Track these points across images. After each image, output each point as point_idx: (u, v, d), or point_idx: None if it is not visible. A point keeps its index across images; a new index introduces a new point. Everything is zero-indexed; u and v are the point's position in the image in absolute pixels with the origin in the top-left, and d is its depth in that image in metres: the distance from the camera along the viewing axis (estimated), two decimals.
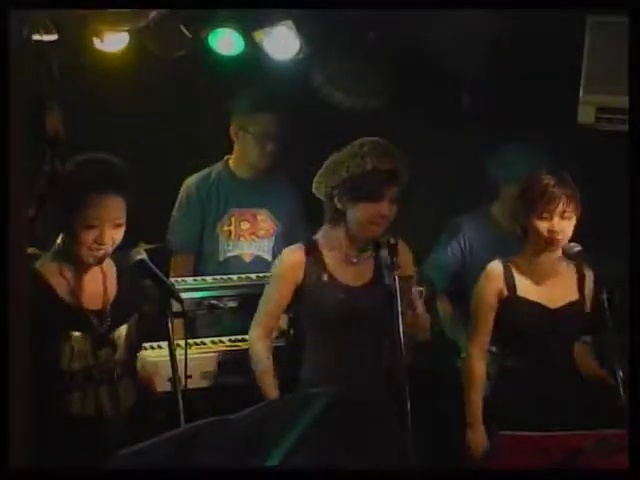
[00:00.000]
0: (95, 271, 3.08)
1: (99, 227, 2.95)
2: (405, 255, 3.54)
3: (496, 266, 3.62)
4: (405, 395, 3.10)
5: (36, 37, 3.79)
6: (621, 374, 3.22)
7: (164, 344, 3.52)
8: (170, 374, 2.91)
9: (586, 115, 3.98)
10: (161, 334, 3.52)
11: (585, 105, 3.98)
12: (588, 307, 3.66)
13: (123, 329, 3.09)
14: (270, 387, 3.48)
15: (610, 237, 3.70)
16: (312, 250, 3.53)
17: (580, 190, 3.60)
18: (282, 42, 4.36)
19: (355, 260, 3.53)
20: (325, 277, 3.49)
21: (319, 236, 3.57)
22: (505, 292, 3.59)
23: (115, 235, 3.00)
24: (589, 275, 3.66)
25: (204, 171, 4.51)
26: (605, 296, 3.29)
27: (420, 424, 3.14)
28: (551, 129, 4.22)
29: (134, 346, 3.17)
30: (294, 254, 3.55)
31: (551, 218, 3.50)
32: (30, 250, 3.02)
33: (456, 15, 3.88)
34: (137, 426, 3.04)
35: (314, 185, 3.54)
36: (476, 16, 3.89)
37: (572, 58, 3.98)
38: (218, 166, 4.52)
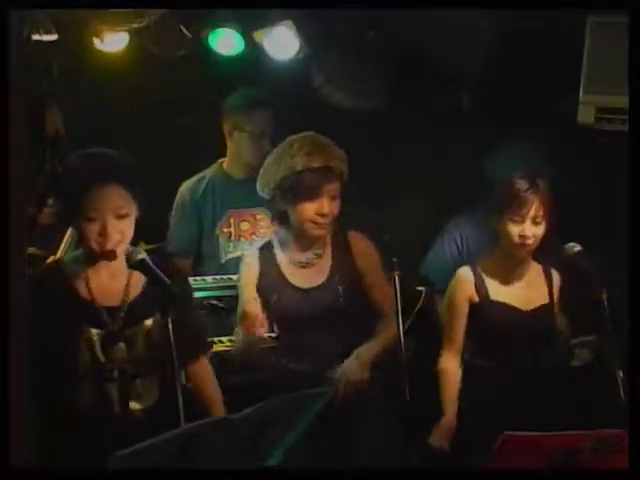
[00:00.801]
0: (119, 267, 3.06)
1: (100, 219, 2.94)
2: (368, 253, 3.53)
3: (466, 272, 3.63)
4: (405, 395, 3.10)
5: (36, 37, 3.79)
6: (621, 374, 3.22)
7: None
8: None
9: (586, 115, 3.98)
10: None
11: (585, 105, 3.98)
12: (557, 309, 3.68)
13: (142, 327, 3.07)
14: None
15: (610, 237, 3.71)
16: (266, 251, 3.54)
17: (579, 190, 3.60)
18: (282, 42, 4.37)
19: (304, 261, 3.52)
20: (277, 279, 3.50)
21: (273, 237, 3.58)
22: (476, 297, 3.60)
23: (121, 226, 2.96)
24: (556, 277, 3.68)
25: (196, 176, 4.47)
26: (605, 296, 3.29)
27: (420, 424, 3.14)
28: (551, 129, 4.22)
29: (156, 346, 3.07)
30: (248, 257, 3.58)
31: (522, 222, 3.49)
32: (30, 250, 3.02)
33: (456, 15, 3.88)
34: (155, 425, 3.00)
35: (258, 186, 3.52)
36: (476, 16, 3.90)
37: (572, 58, 3.98)
38: (211, 169, 4.48)
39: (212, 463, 2.38)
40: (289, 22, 4.28)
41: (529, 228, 3.49)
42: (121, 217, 2.97)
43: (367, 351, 3.41)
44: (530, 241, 3.50)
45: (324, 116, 4.58)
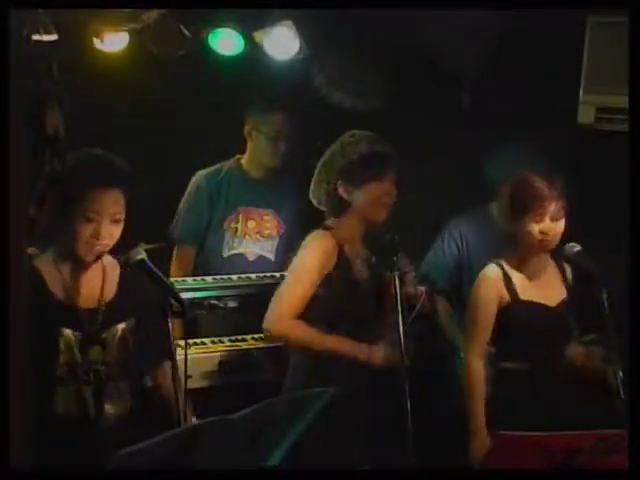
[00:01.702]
0: (95, 270, 3.07)
1: (97, 221, 2.94)
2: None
3: (493, 271, 3.60)
4: (405, 395, 3.10)
5: (36, 37, 3.78)
6: (621, 374, 3.22)
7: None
8: None
9: (586, 115, 3.98)
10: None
11: (585, 105, 3.98)
12: (575, 303, 3.68)
13: (117, 330, 3.06)
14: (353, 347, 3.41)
15: (610, 237, 3.70)
16: (333, 238, 3.49)
17: (579, 190, 3.60)
18: (282, 42, 4.37)
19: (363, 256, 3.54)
20: (345, 268, 3.48)
21: (332, 225, 3.52)
22: (507, 297, 3.57)
23: (113, 231, 2.98)
24: (568, 270, 3.69)
25: (215, 166, 4.55)
26: (605, 296, 3.29)
27: (420, 424, 3.14)
28: (551, 129, 4.22)
29: (130, 349, 3.10)
30: (325, 239, 3.48)
31: (542, 220, 3.50)
32: (30, 250, 3.02)
33: (456, 15, 3.88)
34: (128, 429, 3.00)
35: (311, 191, 3.55)
36: (476, 16, 3.90)
37: (572, 58, 3.98)
38: (229, 163, 4.55)
39: (212, 463, 2.38)
40: (289, 22, 4.28)
41: (549, 225, 3.51)
42: (115, 222, 2.99)
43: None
44: (550, 237, 3.52)
45: (324, 116, 4.58)
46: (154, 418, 2.90)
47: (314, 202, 3.57)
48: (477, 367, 3.56)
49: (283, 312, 3.39)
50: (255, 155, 4.48)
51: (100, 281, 3.08)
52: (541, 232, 3.51)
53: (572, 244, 3.51)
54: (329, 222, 3.52)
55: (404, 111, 4.64)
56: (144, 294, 3.01)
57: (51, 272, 3.03)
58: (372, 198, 3.45)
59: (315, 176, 3.54)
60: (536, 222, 3.50)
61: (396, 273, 3.23)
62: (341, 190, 3.47)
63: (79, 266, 3.04)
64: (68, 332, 2.99)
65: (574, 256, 3.50)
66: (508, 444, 2.64)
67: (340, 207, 3.49)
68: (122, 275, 3.12)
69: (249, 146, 4.49)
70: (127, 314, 3.08)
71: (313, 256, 3.43)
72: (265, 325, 3.41)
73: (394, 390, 3.22)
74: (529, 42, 4.21)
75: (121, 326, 3.07)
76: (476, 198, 4.34)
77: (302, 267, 3.43)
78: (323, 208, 3.55)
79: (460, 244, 4.29)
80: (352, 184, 3.46)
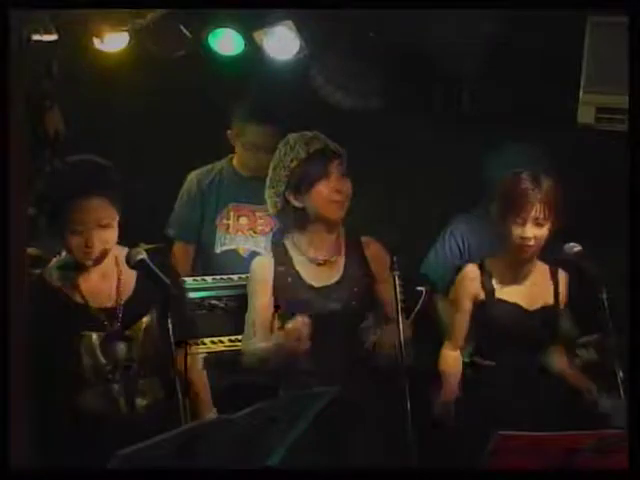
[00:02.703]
0: (108, 268, 3.07)
1: (84, 231, 2.95)
2: (381, 257, 3.51)
3: (472, 269, 3.62)
4: (405, 395, 3.10)
5: (36, 37, 3.78)
6: (621, 374, 3.22)
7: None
8: None
9: (586, 115, 3.98)
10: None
11: (585, 105, 3.98)
12: (563, 310, 3.68)
13: (142, 324, 3.06)
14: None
15: (610, 237, 3.70)
16: (280, 253, 3.54)
17: (580, 190, 3.60)
18: (282, 42, 4.36)
19: (321, 260, 3.53)
20: (292, 277, 3.49)
21: (287, 240, 3.57)
22: (482, 295, 3.59)
23: (105, 236, 2.99)
24: (562, 277, 3.68)
25: (207, 166, 4.57)
26: (605, 296, 3.29)
27: (420, 424, 3.14)
28: (551, 129, 4.22)
29: (157, 343, 3.08)
30: (262, 259, 3.60)
31: (524, 224, 3.48)
32: (30, 250, 3.02)
33: (456, 15, 3.88)
34: (161, 424, 2.98)
35: (268, 206, 3.55)
36: (476, 16, 3.90)
37: (572, 58, 3.98)
38: (221, 162, 4.57)
39: (212, 463, 2.38)
40: (289, 22, 4.28)
41: (530, 230, 3.48)
42: (104, 227, 2.99)
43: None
44: (531, 242, 3.49)
45: (324, 116, 4.58)
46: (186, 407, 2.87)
47: (272, 214, 3.58)
48: (452, 355, 3.63)
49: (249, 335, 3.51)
50: (240, 159, 4.51)
51: (115, 279, 3.09)
52: (521, 237, 3.48)
53: (572, 244, 3.50)
54: (292, 230, 3.54)
55: (404, 111, 4.64)
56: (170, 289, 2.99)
57: (64, 278, 3.04)
58: (323, 197, 3.42)
59: (266, 192, 3.54)
60: (517, 225, 3.49)
61: (396, 273, 3.22)
62: (292, 199, 3.46)
63: (91, 270, 3.05)
64: (89, 334, 3.00)
65: (574, 256, 3.50)
66: (508, 444, 2.64)
67: (297, 216, 3.49)
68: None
69: (235, 148, 4.51)
70: (148, 307, 3.07)
71: (254, 287, 3.56)
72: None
73: (394, 390, 3.23)
74: (529, 42, 4.21)
75: (145, 320, 3.07)
76: (477, 198, 4.34)
77: (252, 302, 3.56)
78: (280, 223, 3.56)
79: (461, 244, 4.29)
80: (299, 192, 3.44)
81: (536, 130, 4.23)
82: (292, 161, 3.44)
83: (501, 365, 3.58)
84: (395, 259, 3.25)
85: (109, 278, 3.08)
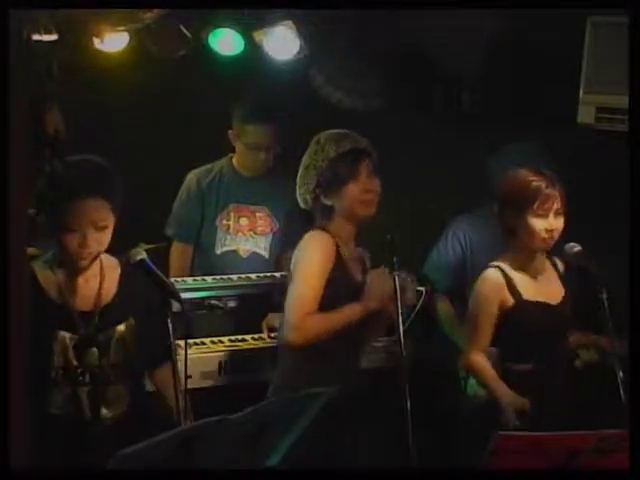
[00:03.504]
0: (91, 272, 3.08)
1: (80, 231, 2.95)
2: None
3: (494, 274, 3.58)
4: (405, 395, 3.10)
5: (36, 37, 3.79)
6: (621, 374, 3.22)
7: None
8: None
9: (586, 115, 3.98)
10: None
11: (585, 105, 3.98)
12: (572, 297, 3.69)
13: (114, 332, 3.06)
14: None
15: (610, 237, 3.70)
16: (331, 237, 3.45)
17: (579, 190, 3.60)
18: (282, 42, 4.37)
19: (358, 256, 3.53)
20: (342, 268, 3.44)
21: (325, 225, 3.48)
22: (511, 300, 3.56)
23: (100, 238, 2.99)
24: (560, 266, 3.69)
25: (207, 165, 4.57)
26: (605, 296, 3.29)
27: (420, 424, 3.14)
28: (551, 129, 4.22)
29: (129, 351, 3.09)
30: (325, 237, 3.42)
31: (547, 216, 3.50)
32: (30, 250, 3.02)
33: (456, 15, 3.88)
34: (125, 431, 3.00)
35: (300, 201, 3.53)
36: (476, 16, 3.90)
37: (572, 58, 3.98)
38: (222, 162, 4.57)
39: (212, 463, 2.37)
40: (289, 22, 4.28)
41: (554, 221, 3.50)
42: (101, 229, 2.99)
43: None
44: (555, 234, 3.51)
45: (324, 116, 4.58)
46: (152, 420, 2.90)
47: (306, 208, 3.56)
48: (479, 359, 3.55)
49: (302, 321, 3.31)
50: (240, 159, 4.51)
51: (97, 284, 3.08)
52: (547, 229, 3.50)
53: (572, 244, 3.51)
54: (322, 223, 3.52)
55: (404, 111, 4.64)
56: (144, 294, 3.01)
57: (47, 275, 3.03)
58: (352, 199, 3.43)
59: (297, 190, 3.54)
60: (541, 218, 3.49)
61: (396, 273, 3.22)
62: (322, 198, 3.47)
63: (75, 271, 3.04)
64: (63, 335, 2.99)
65: (574, 256, 3.50)
66: (508, 444, 2.64)
67: (326, 212, 3.49)
68: (122, 276, 3.12)
69: (236, 149, 4.51)
70: (126, 315, 3.08)
71: (317, 257, 3.38)
72: (291, 337, 3.31)
73: (394, 390, 3.23)
74: (529, 42, 4.21)
75: (119, 328, 3.07)
76: (478, 198, 4.34)
77: (309, 270, 3.37)
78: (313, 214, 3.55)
79: (464, 244, 4.28)
80: (329, 191, 3.44)
81: (536, 130, 4.23)
82: (322, 161, 3.44)
83: (541, 367, 3.55)
84: (395, 259, 3.24)
85: (91, 282, 3.08)
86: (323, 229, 3.45)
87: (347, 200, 3.43)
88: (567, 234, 3.57)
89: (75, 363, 3.00)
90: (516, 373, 3.55)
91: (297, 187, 3.53)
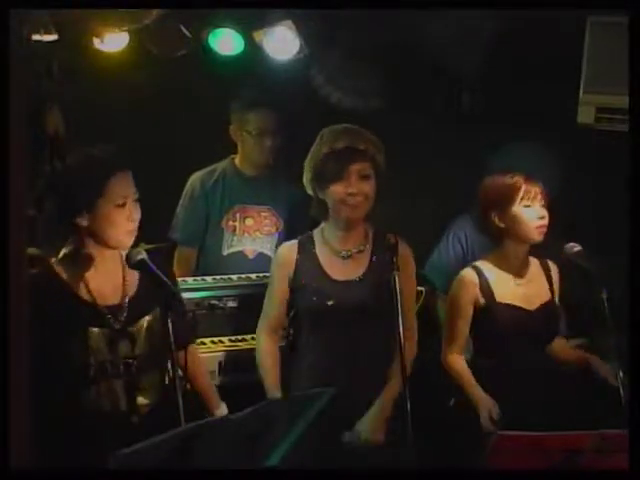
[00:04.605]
0: (114, 266, 3.08)
1: (127, 204, 2.99)
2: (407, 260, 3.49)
3: (470, 274, 3.61)
4: (405, 395, 3.10)
5: (36, 37, 3.79)
6: (621, 374, 3.22)
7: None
8: None
9: (586, 115, 3.98)
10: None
11: (585, 105, 3.98)
12: (558, 303, 3.69)
13: (144, 323, 3.07)
14: (271, 385, 3.44)
15: (610, 237, 3.70)
16: (306, 245, 3.53)
17: (579, 190, 3.60)
18: (282, 42, 4.37)
19: (345, 255, 3.52)
20: (316, 272, 3.48)
21: (315, 231, 3.57)
22: (482, 300, 3.59)
23: (138, 210, 3.03)
24: (554, 270, 3.70)
25: (209, 167, 4.57)
26: (605, 296, 3.29)
27: (420, 424, 3.14)
28: (551, 129, 4.22)
29: (158, 341, 3.08)
30: (285, 249, 3.57)
31: (534, 206, 3.54)
32: (30, 250, 3.02)
33: (456, 15, 3.88)
34: (160, 422, 2.99)
35: (307, 187, 3.55)
36: (476, 16, 3.90)
37: (572, 58, 3.98)
38: (224, 163, 4.57)
39: (212, 463, 2.38)
40: (289, 22, 4.28)
41: (541, 210, 3.53)
42: (137, 201, 3.04)
43: (380, 410, 3.41)
44: (546, 221, 3.54)
45: (324, 116, 4.58)
46: (186, 407, 2.88)
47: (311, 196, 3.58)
48: (456, 360, 3.60)
49: (261, 317, 3.58)
50: (245, 154, 4.51)
51: (120, 278, 3.09)
52: (539, 217, 3.53)
53: (572, 244, 3.51)
54: (315, 229, 3.55)
55: (404, 111, 4.64)
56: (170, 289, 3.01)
57: (71, 273, 3.03)
58: (335, 198, 3.42)
59: (304, 175, 3.55)
60: (528, 208, 3.52)
61: (396, 273, 3.22)
62: (317, 190, 3.48)
63: (96, 264, 3.04)
64: (95, 330, 3.00)
65: (574, 256, 3.50)
66: (508, 444, 2.64)
67: (323, 207, 3.49)
68: None
69: (238, 146, 4.51)
70: (152, 305, 3.08)
71: (273, 268, 3.57)
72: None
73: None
74: (529, 42, 4.21)
75: (147, 318, 3.08)
76: (477, 199, 4.34)
77: (270, 279, 3.58)
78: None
79: (465, 245, 4.29)
80: (320, 187, 3.46)
81: (536, 130, 4.23)
82: (317, 154, 3.45)
83: (503, 366, 3.56)
84: (395, 259, 3.24)
85: (115, 276, 3.08)
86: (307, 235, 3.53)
87: (331, 199, 3.44)
88: (567, 234, 3.57)
89: (109, 357, 3.01)
90: (479, 369, 3.59)
91: (304, 172, 3.54)
